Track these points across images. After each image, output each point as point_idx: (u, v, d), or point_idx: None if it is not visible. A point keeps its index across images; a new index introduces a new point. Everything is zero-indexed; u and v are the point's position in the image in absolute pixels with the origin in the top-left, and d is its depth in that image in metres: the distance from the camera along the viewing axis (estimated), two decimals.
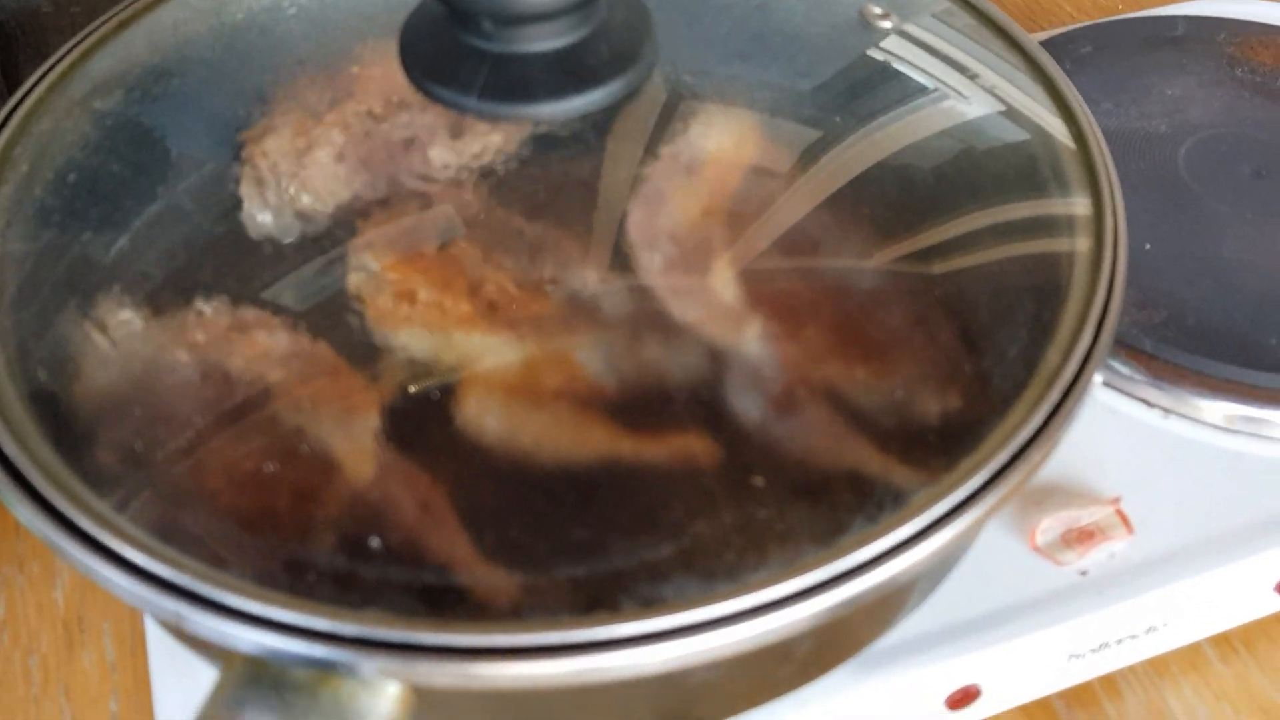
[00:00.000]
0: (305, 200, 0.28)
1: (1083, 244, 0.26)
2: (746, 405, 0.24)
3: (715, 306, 0.26)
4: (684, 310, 0.27)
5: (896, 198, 0.28)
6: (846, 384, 0.24)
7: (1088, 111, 0.28)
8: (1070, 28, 0.43)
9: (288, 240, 0.27)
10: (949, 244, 0.27)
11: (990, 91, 0.29)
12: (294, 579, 0.20)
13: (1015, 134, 0.28)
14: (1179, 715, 0.32)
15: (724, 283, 0.27)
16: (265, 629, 0.19)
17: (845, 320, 0.25)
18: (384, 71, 0.30)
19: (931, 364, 0.23)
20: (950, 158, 0.29)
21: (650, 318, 0.26)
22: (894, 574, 0.20)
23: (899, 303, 0.24)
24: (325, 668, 0.19)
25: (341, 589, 0.20)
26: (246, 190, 0.28)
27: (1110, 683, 0.32)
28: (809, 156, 0.28)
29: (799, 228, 0.27)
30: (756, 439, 0.23)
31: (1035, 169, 0.28)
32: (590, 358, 0.26)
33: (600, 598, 0.20)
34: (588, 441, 0.24)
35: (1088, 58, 0.42)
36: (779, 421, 0.24)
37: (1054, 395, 0.22)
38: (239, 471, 0.22)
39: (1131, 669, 0.32)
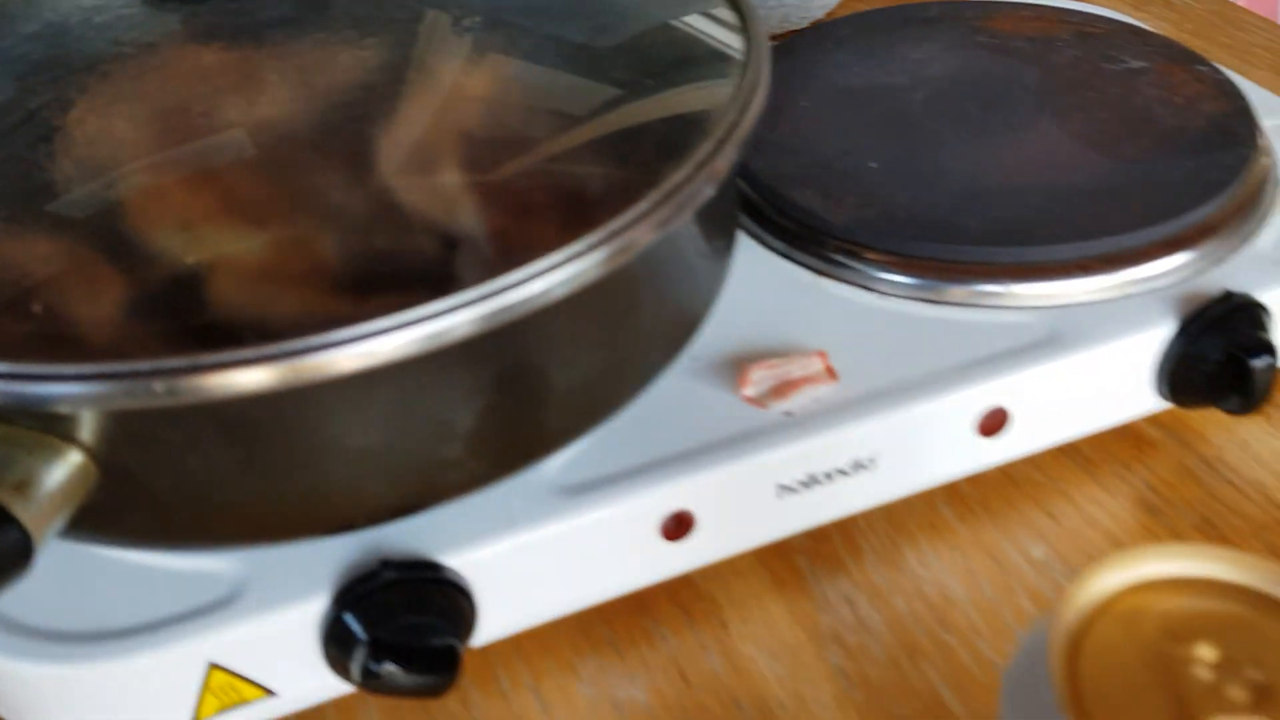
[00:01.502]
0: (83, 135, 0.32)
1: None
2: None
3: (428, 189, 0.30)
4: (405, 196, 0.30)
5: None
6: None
7: None
8: (835, 18, 0.48)
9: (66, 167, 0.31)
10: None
11: None
12: None
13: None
14: (914, 565, 0.34)
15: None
16: None
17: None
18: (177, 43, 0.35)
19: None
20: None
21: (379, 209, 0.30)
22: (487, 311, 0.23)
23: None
24: None
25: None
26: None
27: (850, 541, 0.34)
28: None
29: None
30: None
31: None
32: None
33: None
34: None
35: (847, 38, 0.46)
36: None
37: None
38: None
39: (871, 527, 0.34)
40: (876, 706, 0.30)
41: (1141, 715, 0.18)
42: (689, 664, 0.31)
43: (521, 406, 0.26)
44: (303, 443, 0.24)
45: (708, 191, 0.26)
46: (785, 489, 0.31)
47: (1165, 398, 0.35)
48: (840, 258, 0.36)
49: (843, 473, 0.32)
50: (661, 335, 0.30)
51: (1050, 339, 0.33)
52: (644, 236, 0.25)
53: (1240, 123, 0.39)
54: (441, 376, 0.24)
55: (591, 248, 0.24)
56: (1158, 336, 0.34)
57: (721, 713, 0.30)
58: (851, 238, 0.36)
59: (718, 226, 0.33)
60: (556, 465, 0.31)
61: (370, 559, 0.28)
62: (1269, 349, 0.33)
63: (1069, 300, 0.35)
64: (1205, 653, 0.18)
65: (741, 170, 0.40)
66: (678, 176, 0.26)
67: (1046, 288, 0.35)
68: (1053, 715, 0.18)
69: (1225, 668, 0.18)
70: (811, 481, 0.32)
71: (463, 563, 0.28)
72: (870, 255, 0.36)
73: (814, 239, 0.37)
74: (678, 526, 0.31)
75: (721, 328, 0.34)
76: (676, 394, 0.32)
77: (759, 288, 0.36)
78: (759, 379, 0.32)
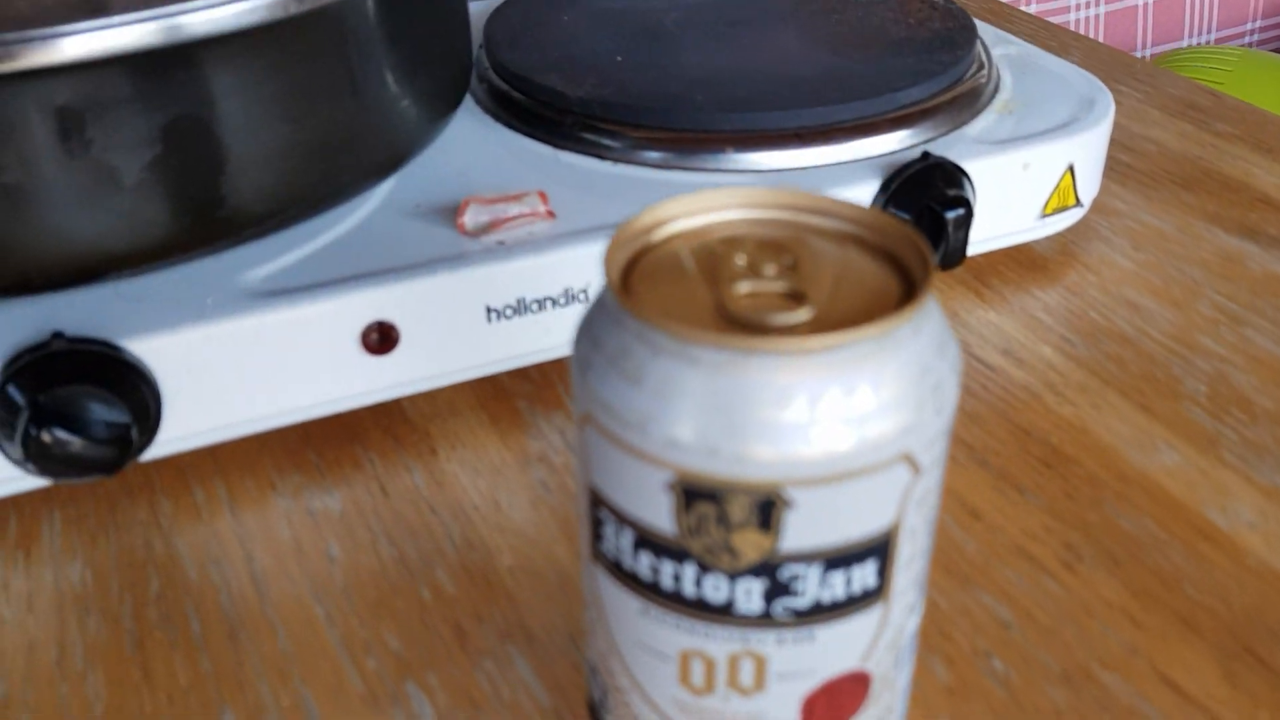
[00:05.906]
0: None
1: None
2: None
3: None
4: None
5: None
6: None
7: None
8: None
9: None
10: None
11: None
12: None
13: None
14: None
15: None
16: None
17: None
18: None
19: None
20: None
21: None
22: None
23: None
24: None
25: None
26: None
27: (569, 383, 0.35)
28: None
29: None
30: None
31: None
32: None
33: None
34: None
35: None
36: None
37: None
38: None
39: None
40: (571, 509, 0.30)
41: (677, 285, 0.19)
42: (390, 480, 0.31)
43: (193, 166, 0.26)
44: None
45: None
46: (495, 313, 0.32)
47: None
48: (574, 129, 0.37)
49: (555, 302, 0.33)
50: (357, 144, 0.30)
51: None
52: None
53: (960, 35, 0.42)
54: (102, 108, 0.24)
55: None
56: (860, 196, 0.35)
57: (416, 518, 0.30)
58: (586, 110, 0.37)
59: (427, 63, 0.33)
60: (260, 275, 0.31)
61: (44, 333, 0.27)
62: (963, 203, 0.35)
63: (786, 166, 0.36)
64: (741, 254, 0.20)
65: (494, 65, 0.41)
66: None
67: (765, 156, 0.36)
68: (607, 309, 0.19)
69: (755, 259, 0.20)
70: (522, 308, 0.32)
71: (145, 348, 0.28)
72: (601, 125, 0.37)
73: (553, 114, 0.38)
74: (381, 339, 0.31)
75: (451, 189, 0.35)
76: (394, 227, 0.33)
77: (498, 160, 0.37)
78: (476, 212, 0.33)
